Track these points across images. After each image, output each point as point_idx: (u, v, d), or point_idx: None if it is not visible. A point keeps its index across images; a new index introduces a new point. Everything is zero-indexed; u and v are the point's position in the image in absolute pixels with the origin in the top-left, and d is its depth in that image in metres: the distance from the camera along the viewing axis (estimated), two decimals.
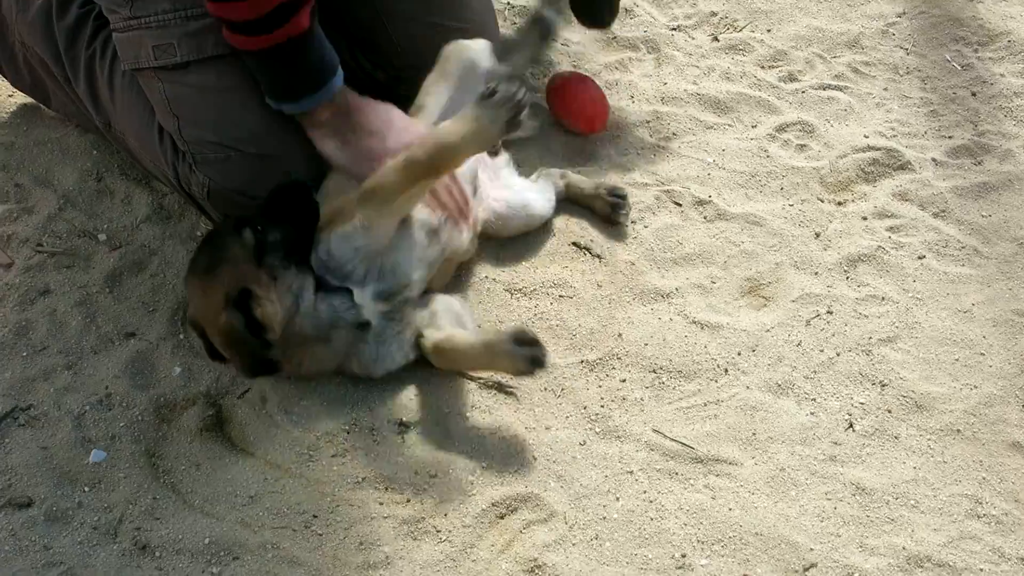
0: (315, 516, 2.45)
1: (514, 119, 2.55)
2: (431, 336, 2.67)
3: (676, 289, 2.96)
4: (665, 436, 2.63)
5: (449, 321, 2.72)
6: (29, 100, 3.35)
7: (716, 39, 3.71)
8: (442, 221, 2.72)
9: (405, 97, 2.95)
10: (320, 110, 2.72)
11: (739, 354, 2.81)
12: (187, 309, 2.67)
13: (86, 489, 2.50)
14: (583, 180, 3.17)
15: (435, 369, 2.70)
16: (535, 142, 3.31)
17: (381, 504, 2.48)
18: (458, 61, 2.99)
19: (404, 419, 2.62)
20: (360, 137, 2.73)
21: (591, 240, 3.06)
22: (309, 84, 2.69)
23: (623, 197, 3.12)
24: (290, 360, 2.59)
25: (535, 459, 2.57)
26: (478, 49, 3.03)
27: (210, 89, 2.72)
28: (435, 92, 2.97)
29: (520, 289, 2.93)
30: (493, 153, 3.01)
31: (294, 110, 2.72)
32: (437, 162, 2.57)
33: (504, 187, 3.02)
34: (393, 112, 2.82)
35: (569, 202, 3.14)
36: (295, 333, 2.56)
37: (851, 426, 2.68)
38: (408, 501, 2.49)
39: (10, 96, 3.40)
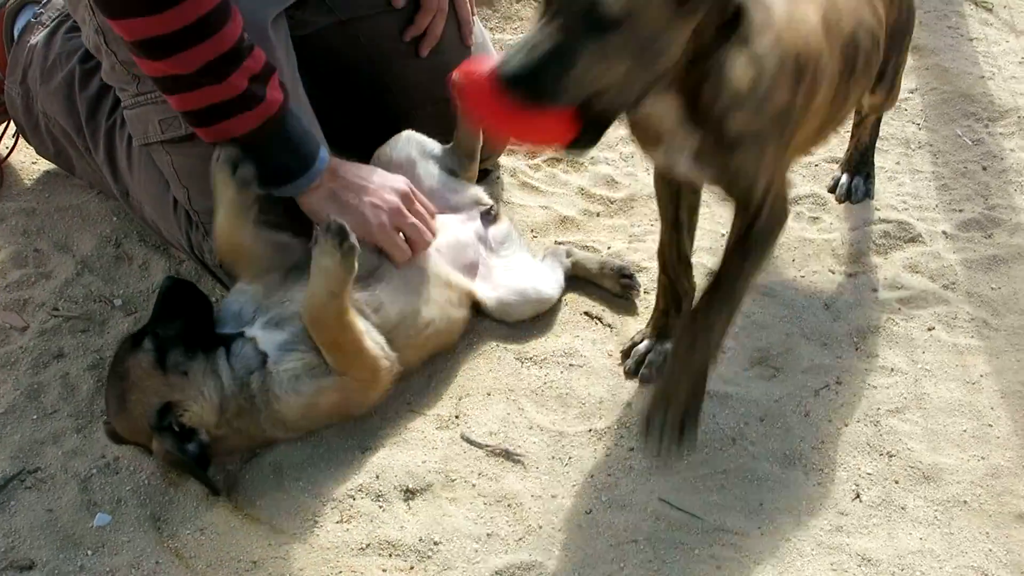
0: None
1: (347, 247, 2.52)
2: None
3: None
4: (672, 505, 2.62)
5: None
6: (52, 167, 3.42)
7: None
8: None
9: None
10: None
11: (747, 424, 2.81)
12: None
13: (89, 552, 2.50)
14: (590, 259, 3.16)
15: (441, 435, 2.72)
16: (544, 210, 3.34)
17: (384, 571, 2.47)
18: (387, 160, 3.04)
19: (410, 486, 2.62)
20: (349, 189, 2.74)
21: (603, 310, 3.08)
22: (301, 161, 2.71)
23: (631, 276, 3.12)
24: (244, 436, 2.62)
25: (540, 527, 2.57)
26: (398, 146, 3.08)
27: None
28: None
29: (530, 357, 2.94)
30: (491, 220, 3.04)
31: (293, 192, 2.74)
32: (325, 312, 2.56)
33: (509, 269, 3.03)
34: (367, 166, 2.88)
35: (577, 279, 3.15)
36: (231, 407, 2.58)
37: (858, 496, 2.66)
38: (412, 568, 2.48)
39: (34, 163, 3.47)
